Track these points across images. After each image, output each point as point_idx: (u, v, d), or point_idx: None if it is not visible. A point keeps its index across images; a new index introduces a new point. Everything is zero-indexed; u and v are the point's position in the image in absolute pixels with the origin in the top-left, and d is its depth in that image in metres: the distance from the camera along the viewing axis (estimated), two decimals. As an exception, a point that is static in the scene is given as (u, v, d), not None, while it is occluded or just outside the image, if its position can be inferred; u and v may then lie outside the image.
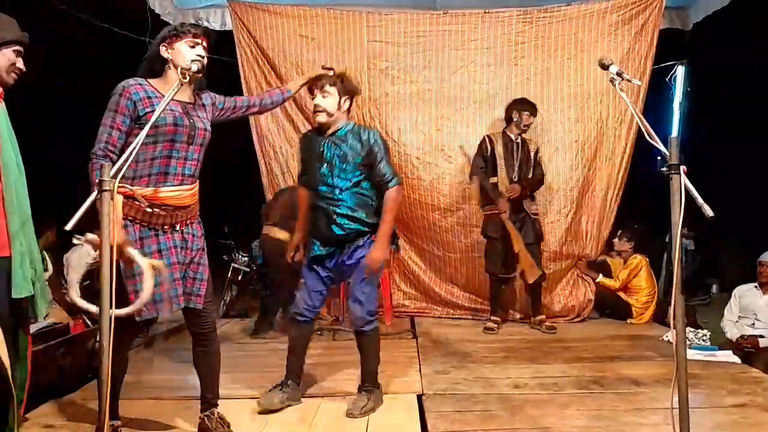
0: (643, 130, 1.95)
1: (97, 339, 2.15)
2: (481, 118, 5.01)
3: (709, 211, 1.71)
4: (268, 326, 4.56)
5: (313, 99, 2.83)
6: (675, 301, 1.80)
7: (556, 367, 3.54)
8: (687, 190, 1.75)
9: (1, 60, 2.14)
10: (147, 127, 1.97)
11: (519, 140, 4.58)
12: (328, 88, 2.78)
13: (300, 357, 2.99)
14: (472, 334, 4.48)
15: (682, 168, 1.77)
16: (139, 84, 2.27)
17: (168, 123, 2.24)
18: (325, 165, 2.80)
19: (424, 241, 5.08)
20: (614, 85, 2.11)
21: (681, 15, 5.23)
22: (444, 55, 4.98)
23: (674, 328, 1.82)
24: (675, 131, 5.34)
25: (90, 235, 2.14)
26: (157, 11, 4.76)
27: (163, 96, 2.20)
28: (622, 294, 5.05)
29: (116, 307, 2.00)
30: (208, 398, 2.48)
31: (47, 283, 2.50)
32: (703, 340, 3.95)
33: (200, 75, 2.29)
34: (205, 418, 2.45)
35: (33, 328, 2.93)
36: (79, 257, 4.84)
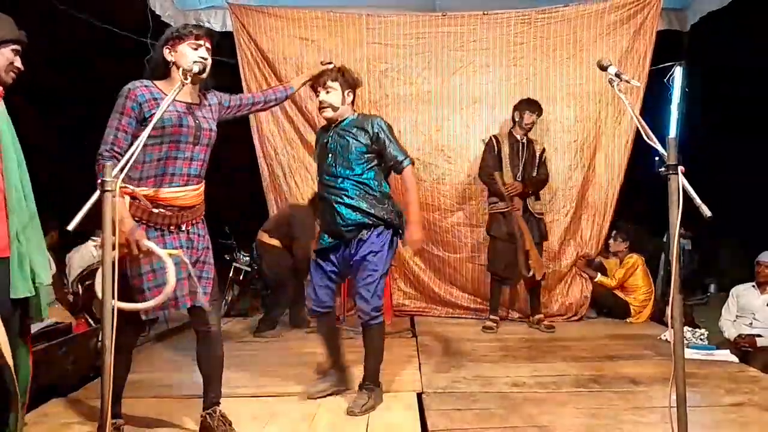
0: (641, 130, 1.97)
1: (99, 338, 2.16)
2: (480, 118, 5.04)
3: (707, 211, 1.73)
4: (270, 325, 4.58)
5: (317, 96, 2.89)
6: (673, 301, 1.82)
7: (555, 366, 3.56)
8: (685, 191, 1.77)
9: (3, 60, 2.14)
10: (149, 128, 1.98)
11: (524, 140, 4.59)
12: (330, 83, 2.84)
13: (333, 348, 3.07)
14: (472, 333, 4.50)
15: (680, 168, 1.79)
16: (145, 86, 2.29)
17: (173, 124, 2.26)
18: (330, 156, 2.87)
19: (424, 241, 5.08)
20: (613, 86, 2.13)
21: (679, 16, 5.26)
22: (443, 56, 5.00)
23: (672, 327, 1.84)
24: (673, 132, 5.36)
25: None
26: (157, 12, 4.78)
27: None
28: (620, 293, 5.07)
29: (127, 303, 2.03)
30: (211, 397, 2.49)
31: (50, 283, 2.50)
32: (701, 340, 3.97)
33: (202, 76, 2.31)
34: (207, 417, 2.46)
35: (35, 327, 2.95)
36: (81, 257, 4.87)
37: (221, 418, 2.48)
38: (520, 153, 4.57)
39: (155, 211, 2.26)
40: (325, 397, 2.98)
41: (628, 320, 4.97)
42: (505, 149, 4.58)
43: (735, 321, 4.26)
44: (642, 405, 2.85)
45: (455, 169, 5.04)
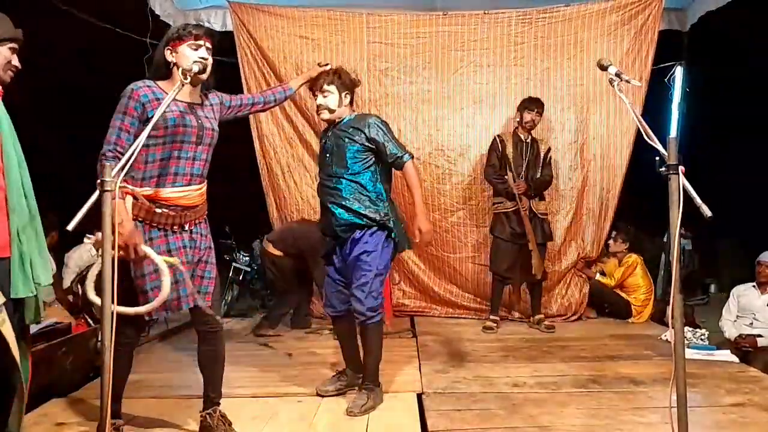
0: (642, 130, 1.96)
1: (99, 338, 2.16)
2: (481, 118, 5.03)
3: (707, 211, 1.73)
4: (271, 325, 4.59)
5: (315, 99, 2.92)
6: (673, 301, 1.82)
7: (555, 366, 3.56)
8: (685, 191, 1.77)
9: (1, 59, 2.13)
10: (148, 128, 1.99)
11: (529, 140, 4.59)
12: (327, 87, 2.86)
13: (348, 347, 3.10)
14: (472, 333, 4.50)
15: (681, 168, 1.78)
16: (148, 86, 2.30)
17: (177, 124, 2.27)
18: (327, 156, 2.91)
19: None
20: (613, 86, 2.13)
21: (679, 16, 5.24)
22: (444, 55, 4.99)
23: (673, 327, 1.83)
24: (673, 132, 5.36)
25: (100, 235, 2.15)
26: (157, 12, 4.76)
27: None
28: (621, 293, 5.06)
29: (123, 306, 2.03)
30: (212, 397, 2.49)
31: (50, 283, 2.50)
32: (702, 340, 3.97)
33: (202, 75, 2.32)
34: (207, 416, 2.46)
35: (35, 327, 2.95)
36: (80, 257, 4.87)
37: (221, 417, 2.48)
38: (524, 153, 4.56)
39: (158, 211, 2.27)
40: (335, 395, 2.99)
41: (630, 320, 4.97)
42: (509, 149, 4.58)
43: (735, 321, 4.26)
44: (642, 405, 2.84)
45: (456, 169, 5.04)
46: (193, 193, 2.35)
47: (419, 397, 3.02)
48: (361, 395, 2.85)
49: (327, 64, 2.98)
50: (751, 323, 4.14)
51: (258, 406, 2.88)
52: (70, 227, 1.72)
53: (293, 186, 5.14)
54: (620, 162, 4.97)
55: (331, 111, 2.88)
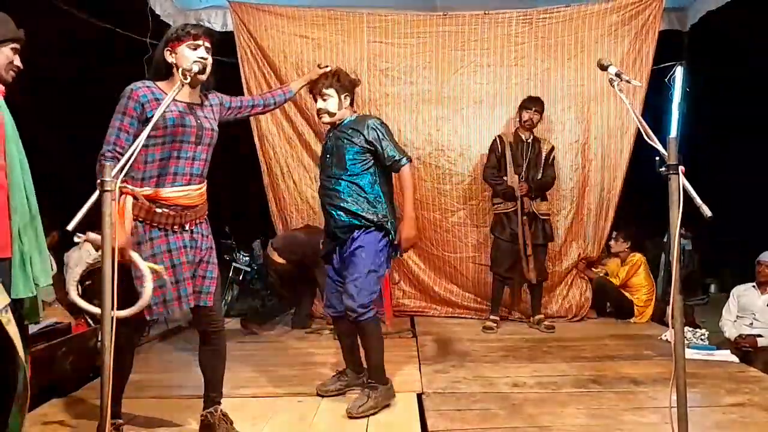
0: (642, 130, 1.96)
1: (99, 338, 2.16)
2: (481, 118, 5.03)
3: (707, 212, 1.72)
4: (260, 321, 4.67)
5: (315, 103, 2.94)
6: (673, 301, 1.82)
7: (555, 366, 3.56)
8: (685, 190, 1.77)
9: (2, 58, 2.13)
10: (148, 128, 1.99)
11: (530, 140, 4.59)
12: (326, 90, 2.87)
13: (348, 348, 3.09)
14: (472, 333, 4.50)
15: (681, 168, 1.78)
16: (147, 86, 2.30)
17: (176, 124, 2.27)
18: (327, 157, 2.93)
19: (425, 241, 5.08)
20: (613, 86, 2.13)
21: (679, 16, 5.24)
22: (444, 55, 4.99)
23: (673, 327, 1.83)
24: (674, 132, 5.36)
25: (91, 234, 2.16)
26: (157, 12, 4.76)
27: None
28: (625, 292, 5.06)
29: (122, 308, 2.03)
30: (213, 397, 2.49)
31: (51, 283, 2.50)
32: (702, 340, 3.97)
33: (202, 75, 2.32)
34: (208, 415, 2.46)
35: (35, 327, 2.95)
36: (80, 256, 4.87)
37: (222, 416, 2.48)
38: (525, 153, 4.56)
39: (158, 210, 2.27)
40: (335, 395, 2.98)
41: (631, 320, 4.97)
42: (509, 149, 4.58)
43: (735, 321, 4.26)
44: (642, 405, 2.85)
45: (456, 169, 5.03)
46: (193, 193, 2.35)
47: (419, 397, 3.01)
48: (362, 395, 2.83)
49: (327, 66, 2.97)
50: (751, 323, 4.14)
51: (258, 406, 2.88)
52: (70, 227, 1.72)
53: (293, 186, 5.14)
54: (621, 162, 4.96)
55: (332, 114, 2.89)
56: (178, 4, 5.06)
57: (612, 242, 5.20)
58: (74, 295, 2.27)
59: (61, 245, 4.83)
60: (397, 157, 2.83)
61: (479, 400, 2.95)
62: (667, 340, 4.06)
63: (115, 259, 1.83)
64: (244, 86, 4.98)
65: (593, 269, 5.19)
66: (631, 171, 5.01)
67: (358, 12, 4.97)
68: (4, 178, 2.09)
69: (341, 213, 2.82)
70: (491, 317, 4.66)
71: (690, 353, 3.52)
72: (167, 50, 2.33)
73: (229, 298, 6.01)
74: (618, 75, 2.12)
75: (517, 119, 4.64)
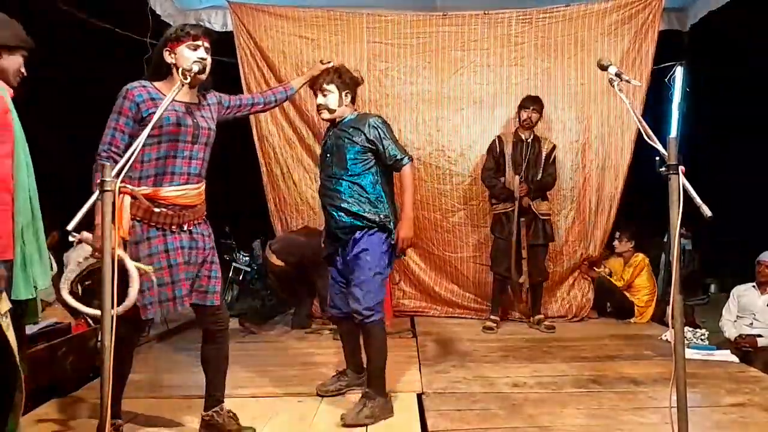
0: (642, 130, 1.96)
1: (99, 338, 2.16)
2: (481, 118, 5.02)
3: (707, 211, 1.72)
4: (259, 320, 4.68)
5: (315, 99, 2.89)
6: (673, 301, 1.81)
7: (555, 367, 3.55)
8: (685, 190, 1.76)
9: (13, 64, 2.17)
10: (148, 128, 1.99)
11: (530, 140, 4.58)
12: (326, 86, 2.83)
13: (350, 348, 3.08)
14: (472, 333, 4.50)
15: (681, 168, 1.78)
16: (143, 86, 2.30)
17: (171, 123, 2.27)
18: (327, 156, 2.88)
19: (425, 241, 5.09)
20: (613, 86, 2.13)
21: (679, 16, 5.24)
22: (444, 56, 4.99)
23: (673, 327, 1.83)
24: (674, 131, 5.36)
25: (85, 234, 2.16)
26: (157, 12, 4.76)
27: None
28: (626, 293, 5.06)
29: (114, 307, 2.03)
30: (217, 396, 2.50)
31: (51, 284, 2.51)
32: (702, 340, 3.97)
33: (202, 75, 2.32)
34: (214, 414, 2.46)
35: (35, 327, 2.95)
36: (78, 256, 4.87)
37: (230, 414, 2.49)
38: (524, 152, 4.56)
39: (156, 210, 2.27)
40: (335, 395, 2.98)
41: (632, 320, 4.96)
42: (508, 149, 4.58)
43: (735, 321, 4.26)
44: (643, 405, 2.85)
45: (456, 169, 5.03)
46: (191, 192, 2.35)
47: (419, 397, 3.01)
48: (359, 403, 2.73)
49: (329, 62, 2.94)
50: (751, 323, 4.14)
51: (258, 406, 2.88)
52: (70, 227, 1.72)
53: (292, 186, 5.14)
54: (622, 161, 4.95)
55: (331, 111, 2.85)
56: (178, 4, 5.06)
57: (616, 242, 5.19)
58: (65, 293, 2.28)
59: (61, 245, 4.82)
60: (399, 156, 2.78)
61: (479, 400, 2.95)
62: (667, 340, 4.06)
63: (103, 258, 1.82)
64: (244, 87, 4.98)
65: (595, 269, 5.19)
66: (631, 171, 5.00)
67: (358, 12, 4.96)
68: (11, 181, 2.10)
69: (342, 214, 2.78)
70: (491, 317, 4.66)
71: (690, 353, 3.52)
72: (166, 50, 2.33)
73: (229, 298, 6.01)
74: (618, 75, 2.12)
75: (517, 119, 4.64)
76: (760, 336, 4.00)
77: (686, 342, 3.72)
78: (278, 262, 4.57)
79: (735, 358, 3.68)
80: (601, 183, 5.00)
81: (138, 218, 2.26)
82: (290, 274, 4.56)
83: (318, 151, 3.53)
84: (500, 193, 4.54)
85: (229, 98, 2.61)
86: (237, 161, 5.87)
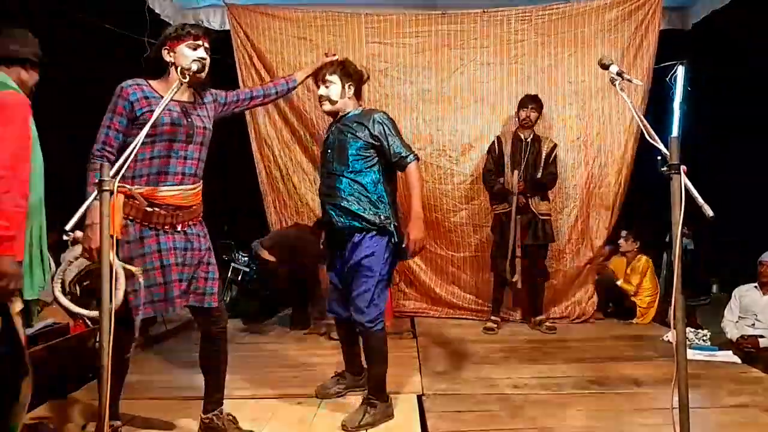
0: (643, 129, 1.94)
1: (97, 339, 2.15)
2: (482, 117, 5.01)
3: (709, 211, 1.71)
4: (258, 323, 4.70)
5: (318, 90, 2.83)
6: (675, 302, 1.80)
7: (557, 368, 3.54)
8: (687, 190, 1.75)
9: (32, 79, 2.28)
10: (146, 128, 1.97)
11: (530, 139, 4.56)
12: (329, 77, 2.76)
13: (349, 351, 3.04)
14: (473, 334, 4.48)
15: (682, 168, 1.77)
16: (137, 84, 2.29)
17: (165, 122, 2.26)
18: (329, 151, 2.79)
19: (426, 241, 5.05)
20: (615, 85, 2.11)
21: (681, 15, 5.23)
22: (443, 55, 4.97)
23: (674, 328, 1.82)
24: (675, 131, 5.34)
25: (78, 233, 2.16)
26: (156, 11, 4.76)
27: (162, 97, 2.22)
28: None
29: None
30: (216, 398, 2.48)
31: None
32: (704, 340, 3.95)
33: (201, 75, 2.30)
34: (214, 417, 2.45)
35: (34, 328, 2.95)
36: (70, 256, 4.86)
37: (229, 417, 2.48)
38: (523, 152, 4.54)
39: (149, 210, 2.25)
40: (334, 398, 2.96)
41: (634, 321, 4.95)
42: (508, 149, 4.56)
43: (737, 322, 4.24)
44: (644, 406, 2.83)
45: (457, 169, 5.02)
46: (186, 193, 2.33)
47: (419, 398, 3.00)
48: (359, 409, 2.70)
49: (334, 55, 2.88)
50: (753, 324, 4.12)
51: (257, 407, 2.86)
52: (68, 227, 1.72)
53: (292, 188, 5.15)
54: (624, 159, 4.92)
55: (333, 102, 2.76)
56: (177, 4, 5.05)
57: (621, 241, 5.18)
58: (57, 292, 2.28)
59: (60, 245, 4.81)
60: (403, 154, 2.68)
61: (480, 402, 2.94)
62: (668, 341, 4.04)
63: (102, 259, 1.81)
64: (242, 88, 4.96)
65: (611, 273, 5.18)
66: (632, 170, 4.98)
67: (357, 12, 4.95)
68: (28, 183, 2.13)
69: (341, 213, 2.68)
70: (492, 318, 4.64)
71: (692, 354, 3.52)
72: (165, 49, 2.31)
73: (228, 299, 5.99)
74: (620, 74, 2.11)
75: (516, 118, 4.63)
76: (762, 336, 3.99)
77: (688, 343, 3.70)
78: (270, 258, 4.59)
79: (737, 359, 3.66)
80: (603, 181, 4.97)
81: (131, 218, 2.24)
82: (283, 270, 4.56)
83: (317, 153, 3.50)
84: (498, 192, 4.52)
85: (226, 95, 2.58)
86: (236, 160, 5.86)
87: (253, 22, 4.93)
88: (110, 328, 1.73)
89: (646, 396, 2.99)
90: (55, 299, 2.24)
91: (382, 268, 2.69)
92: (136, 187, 2.22)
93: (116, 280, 2.08)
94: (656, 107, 5.27)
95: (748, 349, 3.94)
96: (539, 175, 4.53)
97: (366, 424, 2.63)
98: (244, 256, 6.09)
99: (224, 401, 2.54)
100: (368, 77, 2.95)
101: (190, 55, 2.28)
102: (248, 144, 5.14)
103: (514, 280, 4.53)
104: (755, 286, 4.26)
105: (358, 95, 2.85)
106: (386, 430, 2.63)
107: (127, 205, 2.21)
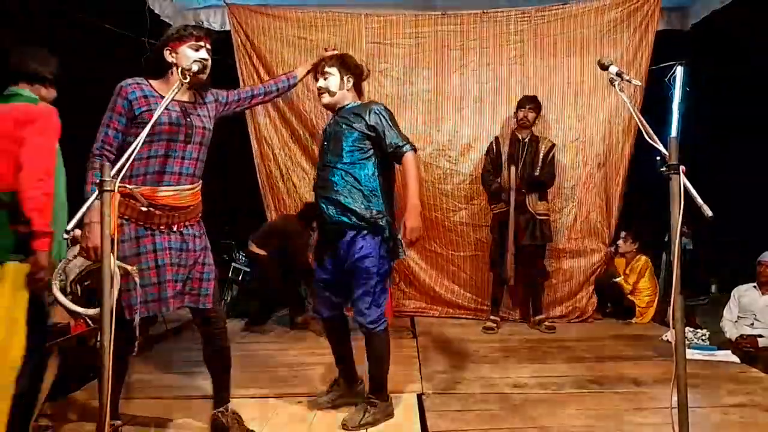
0: (642, 130, 1.95)
1: (98, 339, 2.15)
2: (481, 117, 5.02)
3: (708, 211, 1.71)
4: (260, 322, 4.70)
5: (317, 83, 2.80)
6: (674, 301, 1.81)
7: (556, 367, 3.55)
8: (686, 190, 1.75)
9: (51, 95, 2.52)
10: (147, 127, 1.97)
11: (527, 139, 4.57)
12: (327, 69, 2.74)
13: (338, 353, 2.91)
14: (472, 333, 4.49)
15: (681, 168, 1.77)
16: (137, 83, 2.28)
17: (164, 122, 2.25)
18: (326, 143, 2.75)
19: (426, 241, 5.07)
20: (614, 86, 2.12)
21: (680, 15, 5.23)
22: (443, 55, 4.98)
23: (673, 327, 1.82)
24: (674, 131, 5.35)
25: (77, 231, 2.17)
26: (156, 11, 4.76)
27: (162, 96, 2.22)
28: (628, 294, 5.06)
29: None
30: (222, 396, 2.50)
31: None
32: (703, 340, 3.96)
33: (202, 76, 2.30)
34: (219, 415, 2.46)
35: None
36: (68, 254, 4.87)
37: (234, 415, 2.49)
38: (521, 152, 4.55)
39: (144, 209, 2.25)
40: (331, 407, 2.87)
41: (633, 321, 4.95)
42: (506, 149, 4.57)
43: (736, 321, 4.24)
44: (644, 406, 2.84)
45: (457, 169, 5.03)
46: (184, 193, 2.32)
47: (419, 397, 3.01)
48: (360, 409, 2.69)
49: (334, 50, 2.87)
50: (752, 323, 4.12)
51: (257, 407, 2.87)
52: (69, 227, 1.72)
53: (292, 188, 5.15)
54: (623, 159, 4.93)
55: (331, 93, 2.72)
56: (177, 4, 5.05)
57: (621, 242, 5.18)
58: (55, 290, 2.29)
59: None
60: (399, 144, 2.62)
61: (480, 401, 2.94)
62: (668, 340, 4.05)
63: (100, 258, 1.82)
64: (242, 88, 4.97)
65: (615, 279, 5.17)
66: (631, 171, 4.99)
67: (356, 13, 4.96)
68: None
69: (332, 207, 2.62)
70: (491, 317, 4.65)
71: (691, 354, 3.52)
72: (167, 49, 2.31)
73: (228, 298, 5.99)
74: (619, 75, 2.12)
75: (515, 118, 4.63)
76: (761, 336, 3.99)
77: (687, 342, 3.71)
78: (260, 251, 4.64)
79: (736, 359, 3.67)
80: (602, 181, 4.98)
81: (126, 217, 2.24)
82: (273, 262, 4.61)
83: (317, 152, 3.50)
84: (496, 191, 4.53)
85: (227, 94, 2.58)
86: (236, 160, 5.86)
87: (254, 23, 4.94)
88: (111, 328, 1.73)
89: (645, 395, 2.99)
90: (56, 299, 2.24)
91: (380, 267, 2.64)
92: (134, 186, 2.22)
93: (126, 278, 2.10)
94: (656, 107, 5.28)
95: (747, 349, 3.94)
96: (537, 174, 4.54)
97: (366, 423, 2.63)
98: (244, 256, 6.09)
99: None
100: (368, 73, 2.91)
101: (192, 56, 2.28)
102: (248, 144, 5.15)
103: (507, 277, 4.54)
104: (754, 286, 4.26)
105: (357, 89, 2.82)
106: (386, 429, 2.64)
107: (123, 204, 2.20)
